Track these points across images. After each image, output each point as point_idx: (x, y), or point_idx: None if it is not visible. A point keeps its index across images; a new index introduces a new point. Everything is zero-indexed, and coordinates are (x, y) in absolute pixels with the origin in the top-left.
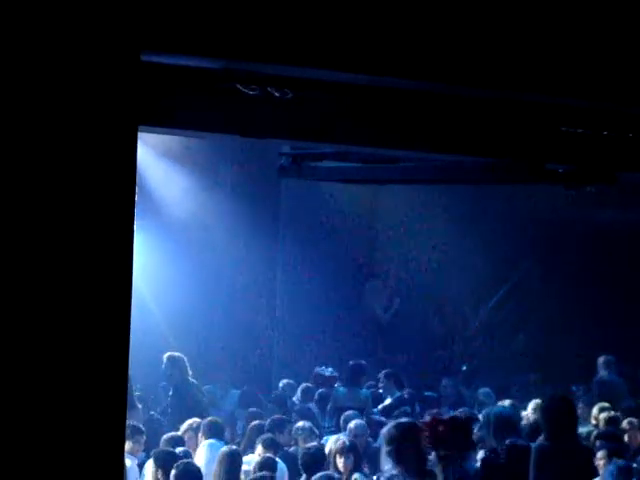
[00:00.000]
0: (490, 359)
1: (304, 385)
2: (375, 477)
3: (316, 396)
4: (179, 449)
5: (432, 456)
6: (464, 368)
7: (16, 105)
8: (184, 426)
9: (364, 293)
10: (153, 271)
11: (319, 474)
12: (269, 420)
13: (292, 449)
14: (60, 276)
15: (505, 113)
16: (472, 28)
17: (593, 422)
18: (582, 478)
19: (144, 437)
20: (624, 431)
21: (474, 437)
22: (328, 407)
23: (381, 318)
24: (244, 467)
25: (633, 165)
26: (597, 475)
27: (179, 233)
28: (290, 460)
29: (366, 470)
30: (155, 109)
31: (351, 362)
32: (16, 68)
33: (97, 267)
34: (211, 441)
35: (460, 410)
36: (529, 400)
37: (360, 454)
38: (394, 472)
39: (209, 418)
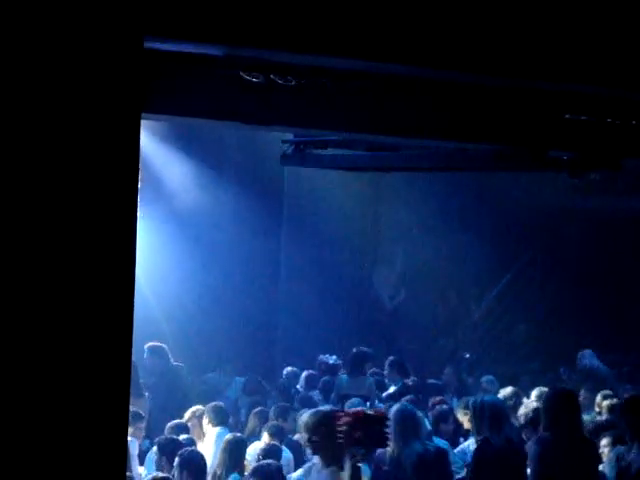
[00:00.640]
0: (492, 347)
1: (307, 372)
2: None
3: (320, 384)
4: (183, 436)
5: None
6: (467, 356)
7: (18, 93)
8: (188, 414)
9: (371, 279)
10: (155, 259)
11: None
12: (273, 407)
13: (296, 437)
14: (63, 264)
15: (509, 100)
16: (476, 16)
17: (597, 409)
18: (584, 468)
19: (144, 423)
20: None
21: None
22: (332, 395)
23: (386, 305)
24: (248, 453)
25: (637, 152)
26: (599, 464)
27: (182, 221)
28: (295, 448)
29: None
30: (157, 96)
31: (354, 349)
32: (19, 55)
33: (100, 255)
34: (219, 429)
35: (463, 398)
36: (531, 388)
37: None
38: (315, 461)
39: (213, 403)
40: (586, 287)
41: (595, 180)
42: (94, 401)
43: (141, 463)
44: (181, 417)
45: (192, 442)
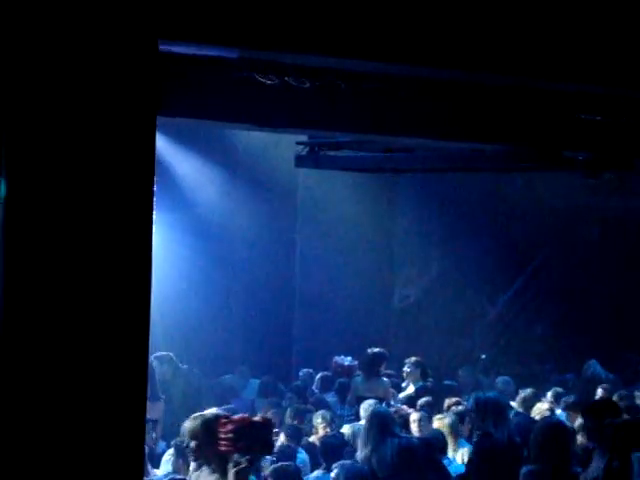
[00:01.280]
0: (508, 348)
1: (322, 374)
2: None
3: (336, 385)
4: None
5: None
6: (483, 357)
7: (36, 94)
8: None
9: (387, 280)
10: (172, 260)
11: (339, 462)
12: (289, 409)
13: (312, 438)
14: (80, 263)
15: (524, 101)
16: (490, 16)
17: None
18: None
19: (160, 426)
20: None
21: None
22: (348, 397)
23: (395, 306)
24: None
25: None
26: None
27: (198, 223)
28: (312, 450)
29: None
30: (173, 98)
31: (369, 350)
32: (36, 57)
33: (117, 257)
34: None
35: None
36: (547, 389)
37: None
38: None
39: (226, 406)
40: (601, 286)
41: (610, 180)
42: (112, 404)
43: (157, 466)
44: None
45: None
